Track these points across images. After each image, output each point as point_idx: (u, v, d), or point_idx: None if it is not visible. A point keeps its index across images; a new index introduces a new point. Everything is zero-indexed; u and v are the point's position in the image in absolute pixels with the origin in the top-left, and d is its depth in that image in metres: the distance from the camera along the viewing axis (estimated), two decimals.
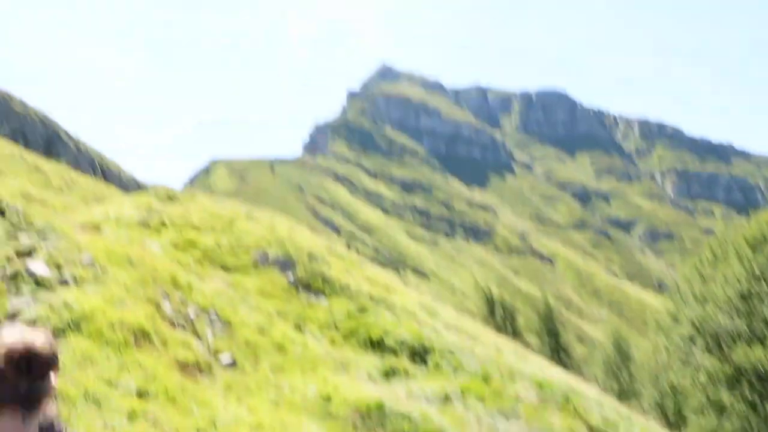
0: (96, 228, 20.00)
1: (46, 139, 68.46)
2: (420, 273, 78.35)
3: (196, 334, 13.18)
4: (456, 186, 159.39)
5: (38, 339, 2.70)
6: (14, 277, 13.96)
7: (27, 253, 15.71)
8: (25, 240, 16.69)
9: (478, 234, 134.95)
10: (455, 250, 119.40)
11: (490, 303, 42.92)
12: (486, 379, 14.24)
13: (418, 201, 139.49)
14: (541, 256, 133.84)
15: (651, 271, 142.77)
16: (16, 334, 2.66)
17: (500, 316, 41.86)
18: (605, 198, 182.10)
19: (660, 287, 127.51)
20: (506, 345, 21.73)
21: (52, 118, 73.79)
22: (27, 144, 62.94)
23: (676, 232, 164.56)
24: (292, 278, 18.42)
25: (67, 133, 72.83)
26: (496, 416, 12.18)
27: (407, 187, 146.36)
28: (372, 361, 14.34)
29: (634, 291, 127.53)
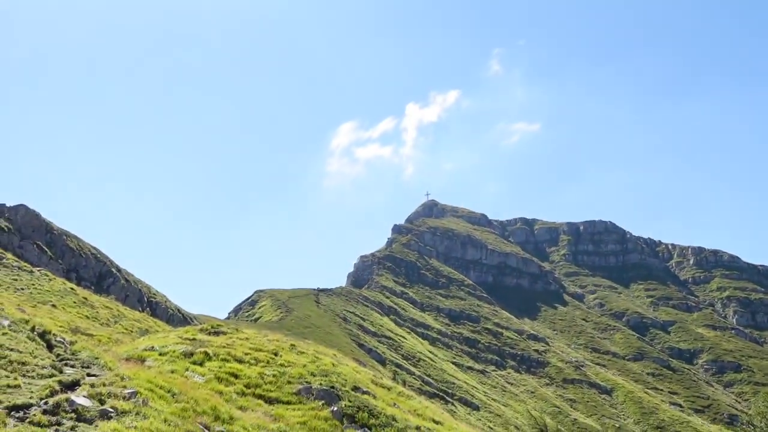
0: (140, 360, 19.98)
1: (98, 274, 70.77)
2: (469, 404, 75.18)
3: None
4: (505, 316, 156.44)
5: None
6: (55, 411, 13.83)
7: (70, 386, 15.66)
8: (69, 372, 16.71)
9: (529, 364, 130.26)
10: (506, 380, 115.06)
11: None
12: None
13: (466, 331, 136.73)
14: (598, 387, 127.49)
15: (720, 404, 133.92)
16: None
17: None
18: (664, 328, 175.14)
19: (731, 421, 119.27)
20: None
21: (105, 253, 76.66)
22: (80, 279, 65.09)
23: (743, 362, 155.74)
24: (336, 410, 17.79)
25: (117, 267, 75.25)
26: None
27: (454, 317, 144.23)
28: None
29: (702, 425, 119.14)
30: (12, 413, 13.60)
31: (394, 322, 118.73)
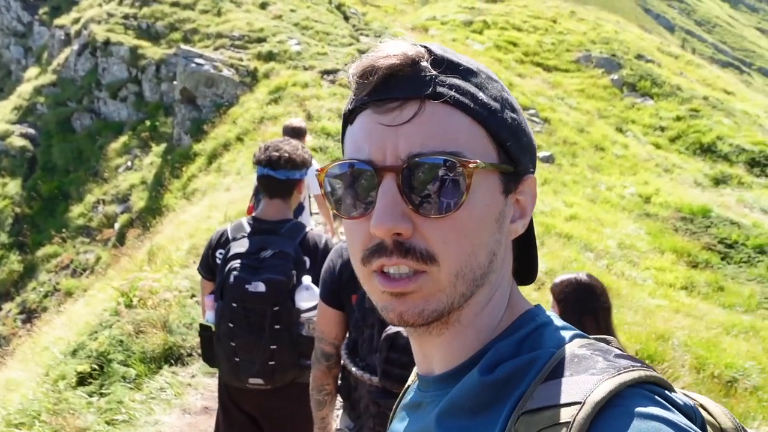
0: (424, 29, 21.10)
1: None
2: None
3: None
4: None
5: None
6: None
7: (367, 53, 17.49)
8: (364, 41, 18.48)
9: None
10: None
11: None
12: None
13: None
14: None
15: None
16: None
17: None
18: None
19: None
20: None
21: None
22: None
23: None
24: (616, 78, 17.50)
25: None
26: None
27: None
28: (700, 167, 13.43)
29: None
30: (324, 76, 15.87)
31: None
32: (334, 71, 16.05)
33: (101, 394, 4.68)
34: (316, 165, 5.87)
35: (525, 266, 0.86)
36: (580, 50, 19.45)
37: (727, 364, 5.40)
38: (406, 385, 0.97)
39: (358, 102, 0.75)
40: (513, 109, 0.77)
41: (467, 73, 0.74)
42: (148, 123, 17.56)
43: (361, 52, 17.36)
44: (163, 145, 16.43)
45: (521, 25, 21.41)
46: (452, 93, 0.71)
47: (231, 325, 2.54)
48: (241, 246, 2.65)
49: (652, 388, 0.64)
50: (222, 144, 13.91)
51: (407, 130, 0.70)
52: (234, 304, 2.53)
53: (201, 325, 2.72)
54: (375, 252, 0.72)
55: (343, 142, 0.81)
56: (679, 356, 5.38)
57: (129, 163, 16.86)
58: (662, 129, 15.16)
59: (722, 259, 8.97)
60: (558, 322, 0.78)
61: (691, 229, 9.68)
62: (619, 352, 0.69)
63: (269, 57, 16.83)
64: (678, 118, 15.50)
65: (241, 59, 16.80)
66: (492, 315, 0.77)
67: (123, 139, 17.66)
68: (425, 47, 0.74)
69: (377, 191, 0.71)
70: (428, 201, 0.69)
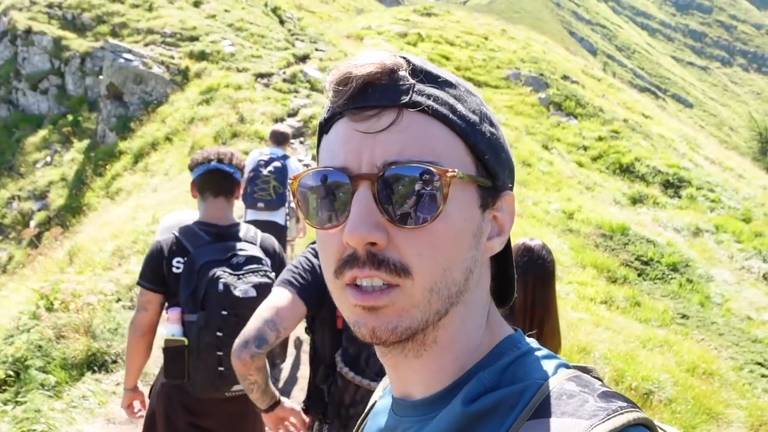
0: (359, 38, 21.21)
1: None
2: (682, 101, 71.22)
3: None
4: (744, 7, 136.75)
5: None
6: (292, 80, 15.69)
7: (302, 59, 17.41)
8: (300, 46, 18.40)
9: (762, 62, 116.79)
10: (730, 79, 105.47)
11: (763, 141, 38.11)
12: (746, 218, 13.25)
13: (693, 23, 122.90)
14: None
15: None
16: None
17: None
18: None
19: None
20: None
21: None
22: None
23: None
24: (543, 97, 18.11)
25: None
26: (753, 257, 11.46)
27: (682, 6, 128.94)
28: (619, 186, 14.05)
29: None
30: (258, 79, 15.69)
31: (612, 9, 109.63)
32: (269, 75, 15.89)
33: (17, 403, 4.45)
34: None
35: (502, 287, 0.84)
36: (509, 68, 20.02)
37: (644, 377, 5.66)
38: (373, 400, 0.95)
39: (335, 110, 0.73)
40: (492, 124, 0.76)
41: (446, 85, 0.73)
42: (70, 117, 16.86)
43: (296, 57, 17.27)
44: (86, 142, 15.80)
45: (454, 40, 21.86)
46: (430, 102, 0.70)
47: (219, 334, 2.48)
48: (211, 253, 2.60)
49: (641, 429, 0.64)
50: (150, 143, 13.51)
51: (384, 137, 0.69)
52: (224, 312, 2.48)
53: (167, 340, 2.58)
54: (347, 263, 0.69)
55: (318, 153, 0.79)
56: (600, 369, 5.61)
57: (48, 159, 16.11)
58: (585, 148, 15.78)
59: (639, 275, 9.40)
60: (541, 350, 0.77)
61: (610, 246, 10.11)
62: (604, 389, 0.69)
63: (201, 56, 16.50)
64: (600, 139, 16.17)
65: (172, 57, 16.39)
66: (470, 336, 0.75)
67: (42, 133, 16.87)
68: (404, 57, 0.73)
69: (351, 200, 0.69)
70: (404, 211, 0.68)
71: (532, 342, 0.79)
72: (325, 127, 0.76)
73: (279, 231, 5.81)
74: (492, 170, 0.74)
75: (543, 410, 0.66)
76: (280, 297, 1.98)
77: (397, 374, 0.79)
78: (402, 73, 0.71)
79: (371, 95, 0.70)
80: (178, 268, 2.63)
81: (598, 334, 6.57)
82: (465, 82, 0.78)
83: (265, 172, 5.90)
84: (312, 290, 2.00)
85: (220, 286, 2.49)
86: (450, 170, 0.68)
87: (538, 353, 0.76)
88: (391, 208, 0.68)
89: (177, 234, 2.71)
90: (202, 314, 2.51)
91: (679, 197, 13.93)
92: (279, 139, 6.36)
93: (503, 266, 0.84)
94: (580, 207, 11.41)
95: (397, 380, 0.80)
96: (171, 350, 2.57)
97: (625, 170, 14.95)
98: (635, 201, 13.44)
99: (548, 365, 0.73)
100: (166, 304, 2.70)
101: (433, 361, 0.75)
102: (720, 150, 22.87)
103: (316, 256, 2.07)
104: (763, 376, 6.87)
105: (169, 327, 2.58)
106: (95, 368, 4.82)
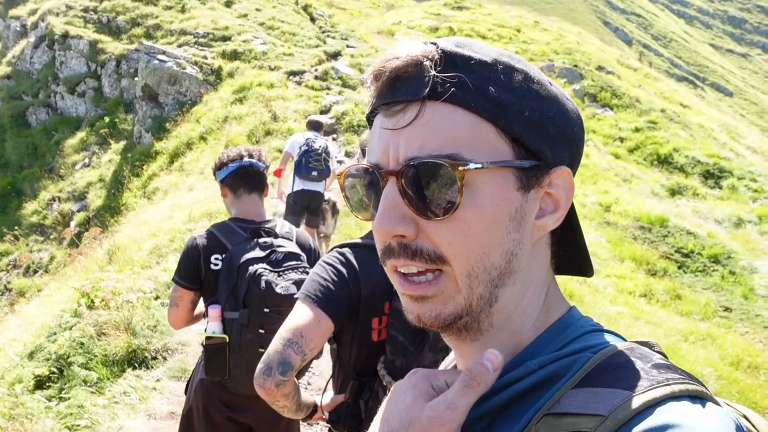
0: (390, 34, 21.17)
1: None
2: (722, 90, 69.51)
3: None
4: None
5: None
6: (324, 77, 15.73)
7: (333, 56, 17.44)
8: (331, 43, 18.44)
9: None
10: None
11: None
12: None
13: (732, 9, 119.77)
14: None
15: None
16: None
17: None
18: None
19: None
20: None
21: None
22: None
23: None
24: (578, 88, 17.84)
25: None
26: None
27: None
28: (657, 178, 13.77)
29: None
30: (290, 77, 15.77)
31: None
32: (301, 72, 15.96)
33: (61, 399, 4.54)
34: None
35: (573, 259, 0.83)
36: (543, 60, 19.76)
37: (687, 371, 5.54)
38: None
39: (374, 106, 0.76)
40: (538, 98, 0.73)
41: (480, 66, 0.71)
42: (107, 119, 17.18)
43: (328, 54, 17.32)
44: (123, 143, 16.08)
45: (486, 33, 21.66)
46: (453, 90, 0.70)
47: (262, 331, 2.48)
48: (251, 250, 2.59)
49: (685, 400, 0.62)
50: (185, 143, 13.68)
51: (408, 133, 0.70)
52: (266, 309, 2.48)
53: (208, 338, 2.56)
54: (386, 253, 0.74)
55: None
56: None
57: (86, 160, 16.44)
58: (621, 140, 15.50)
59: (679, 267, 9.20)
60: (597, 327, 0.78)
61: (649, 239, 9.91)
62: (659, 360, 0.68)
63: (234, 56, 16.65)
64: (636, 130, 15.86)
65: (205, 57, 16.58)
66: (527, 316, 0.76)
67: (80, 135, 17.22)
68: (434, 43, 0.72)
69: (382, 194, 0.72)
70: (427, 203, 0.70)
71: (589, 319, 0.79)
72: (370, 122, 0.79)
73: (320, 198, 7.13)
74: (535, 149, 0.72)
75: (588, 379, 0.67)
76: (304, 314, 1.80)
77: (459, 355, 0.82)
78: (427, 63, 0.71)
79: (399, 90, 0.72)
80: (216, 265, 2.62)
81: (638, 327, 6.44)
82: (509, 57, 0.75)
83: (316, 146, 6.98)
84: (339, 303, 1.84)
85: (263, 284, 2.48)
86: (461, 164, 0.68)
87: (594, 330, 0.77)
88: (416, 201, 0.70)
89: (213, 230, 2.70)
90: (245, 312, 2.50)
91: (720, 188, 13.59)
92: (315, 126, 7.34)
93: (571, 238, 0.82)
94: (617, 199, 11.21)
95: (460, 360, 0.82)
96: (212, 348, 2.55)
97: (663, 161, 14.64)
98: (674, 192, 13.15)
99: (603, 340, 0.74)
100: (200, 301, 2.71)
101: (490, 342, 0.76)
102: (762, 139, 22.25)
103: (342, 263, 1.92)
104: None
105: (210, 324, 2.57)
106: (135, 365, 4.89)
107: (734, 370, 6.08)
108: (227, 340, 2.54)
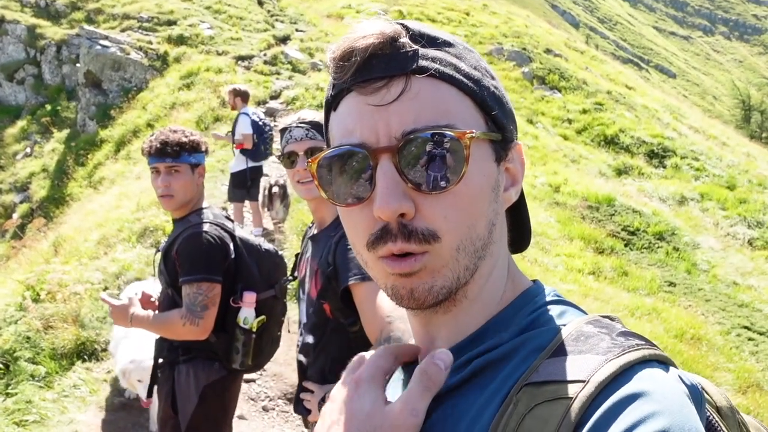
0: (339, 17, 21.00)
1: None
2: (665, 71, 71.43)
3: None
4: None
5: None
6: (273, 62, 15.53)
7: (282, 40, 17.23)
8: (280, 27, 18.20)
9: (743, 30, 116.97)
10: (712, 47, 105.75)
11: (746, 108, 38.33)
12: (731, 185, 13.34)
13: None
14: None
15: None
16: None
17: (757, 123, 37.46)
18: None
19: None
20: (760, 154, 19.74)
21: None
22: None
23: None
24: (527, 71, 18.06)
25: None
26: (738, 223, 11.55)
27: None
28: (604, 158, 14.08)
29: None
30: (239, 62, 15.52)
31: None
32: (249, 57, 15.71)
33: (8, 395, 4.42)
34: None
35: (518, 234, 0.86)
36: (492, 43, 19.92)
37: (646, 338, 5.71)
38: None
39: (341, 86, 0.73)
40: (492, 77, 0.77)
41: (446, 45, 0.74)
42: (48, 107, 16.62)
43: (277, 38, 17.08)
44: (66, 131, 15.59)
45: (435, 17, 21.69)
46: (436, 65, 0.70)
47: (285, 300, 2.74)
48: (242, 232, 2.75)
49: (654, 366, 0.64)
50: (131, 130, 13.35)
51: (397, 107, 0.69)
52: (282, 279, 2.67)
53: (256, 323, 2.51)
54: (380, 237, 0.70)
55: (327, 131, 0.79)
56: None
57: (28, 150, 15.89)
58: (569, 121, 15.79)
59: (626, 245, 9.46)
60: (561, 299, 0.79)
61: (597, 217, 10.16)
62: (622, 329, 0.70)
63: (180, 41, 16.28)
64: (584, 111, 16.17)
65: (150, 42, 16.16)
66: (495, 287, 0.77)
67: (21, 124, 16.62)
68: (401, 23, 0.73)
69: (375, 174, 0.69)
70: (428, 177, 0.68)
71: (552, 292, 0.81)
72: (332, 105, 0.76)
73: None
74: (501, 123, 0.75)
75: (561, 349, 0.68)
76: (380, 293, 1.79)
77: (425, 329, 0.80)
78: (403, 39, 0.71)
79: (376, 66, 0.70)
80: (233, 253, 2.56)
81: (587, 304, 6.61)
82: (461, 40, 0.78)
83: (267, 129, 7.42)
84: None
85: (277, 259, 2.69)
86: (468, 132, 0.69)
87: (558, 302, 0.78)
88: (416, 176, 0.69)
89: (215, 220, 2.60)
90: (277, 286, 2.62)
91: (664, 167, 14.00)
92: (248, 97, 7.68)
93: (518, 215, 0.85)
94: (565, 180, 11.44)
95: (425, 335, 0.80)
96: (257, 333, 2.52)
97: (610, 142, 14.98)
98: (620, 172, 13.48)
99: (568, 312, 0.76)
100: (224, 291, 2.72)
101: (461, 313, 0.76)
102: (703, 119, 22.97)
103: None
104: (749, 339, 6.96)
105: (245, 311, 2.48)
106: (85, 357, 4.80)
107: (678, 342, 6.31)
108: (256, 326, 2.53)
